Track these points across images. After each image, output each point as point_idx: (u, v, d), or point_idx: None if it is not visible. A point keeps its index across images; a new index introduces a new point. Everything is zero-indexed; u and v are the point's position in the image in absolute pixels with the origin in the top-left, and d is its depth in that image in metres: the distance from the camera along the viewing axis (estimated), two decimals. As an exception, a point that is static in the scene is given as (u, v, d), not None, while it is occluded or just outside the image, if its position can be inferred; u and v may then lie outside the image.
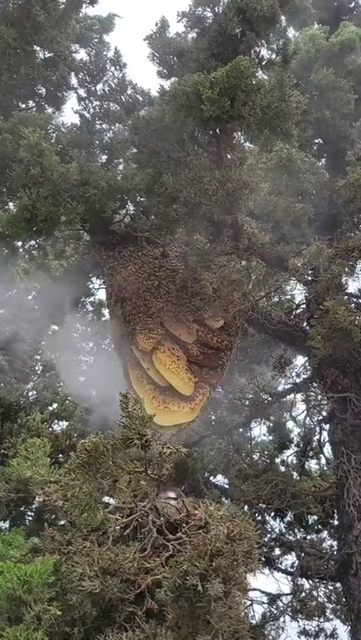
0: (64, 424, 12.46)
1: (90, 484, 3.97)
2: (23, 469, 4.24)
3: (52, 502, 4.31)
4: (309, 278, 9.42)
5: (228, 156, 7.57)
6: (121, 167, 8.46)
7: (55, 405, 12.87)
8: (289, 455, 12.12)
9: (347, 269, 8.75)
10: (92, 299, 11.92)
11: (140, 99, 8.06)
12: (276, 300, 10.76)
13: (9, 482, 4.78)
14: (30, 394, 12.96)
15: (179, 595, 3.67)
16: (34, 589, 3.87)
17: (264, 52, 7.52)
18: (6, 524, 10.44)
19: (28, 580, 3.88)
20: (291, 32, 11.66)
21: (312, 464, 13.62)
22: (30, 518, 11.01)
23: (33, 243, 9.89)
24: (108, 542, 4.51)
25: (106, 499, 4.91)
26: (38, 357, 14.52)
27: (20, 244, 12.07)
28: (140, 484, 4.52)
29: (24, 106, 8.65)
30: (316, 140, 10.93)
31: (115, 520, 4.63)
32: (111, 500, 5.00)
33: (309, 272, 9.21)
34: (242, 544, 3.78)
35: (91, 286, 11.01)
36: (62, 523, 6.48)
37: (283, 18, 12.25)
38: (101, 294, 10.13)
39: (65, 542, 4.60)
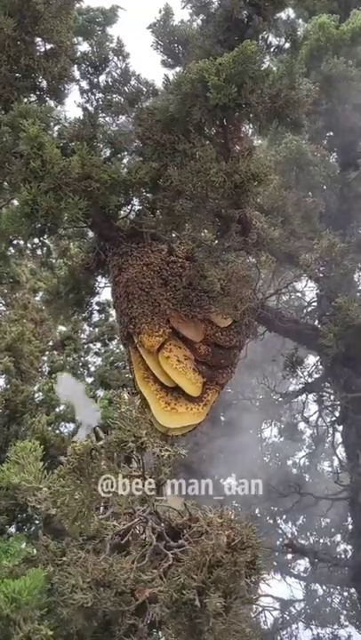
0: (71, 426, 12.25)
1: (82, 490, 3.70)
2: (11, 475, 3.99)
3: (45, 510, 4.07)
4: (321, 275, 9.12)
5: (236, 147, 7.29)
6: (125, 161, 8.19)
7: (62, 407, 12.66)
8: (301, 457, 11.83)
9: (360, 265, 8.48)
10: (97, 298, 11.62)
11: (144, 89, 7.77)
12: (287, 297, 10.46)
13: (1, 488, 4.54)
14: (36, 395, 12.75)
15: (176, 610, 3.39)
16: (23, 607, 3.62)
17: (272, 39, 7.26)
18: (12, 529, 10.24)
19: (17, 597, 3.64)
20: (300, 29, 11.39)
21: (325, 466, 13.35)
22: (37, 522, 10.79)
23: (36, 241, 9.66)
24: (106, 551, 4.25)
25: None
26: (45, 358, 14.34)
27: (23, 243, 11.85)
28: (138, 489, 4.25)
29: (25, 100, 8.41)
30: (327, 134, 10.62)
31: (112, 527, 4.37)
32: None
33: (321, 268, 8.91)
34: (244, 553, 3.49)
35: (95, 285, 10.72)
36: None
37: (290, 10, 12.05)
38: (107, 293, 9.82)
39: (59, 552, 4.35)
